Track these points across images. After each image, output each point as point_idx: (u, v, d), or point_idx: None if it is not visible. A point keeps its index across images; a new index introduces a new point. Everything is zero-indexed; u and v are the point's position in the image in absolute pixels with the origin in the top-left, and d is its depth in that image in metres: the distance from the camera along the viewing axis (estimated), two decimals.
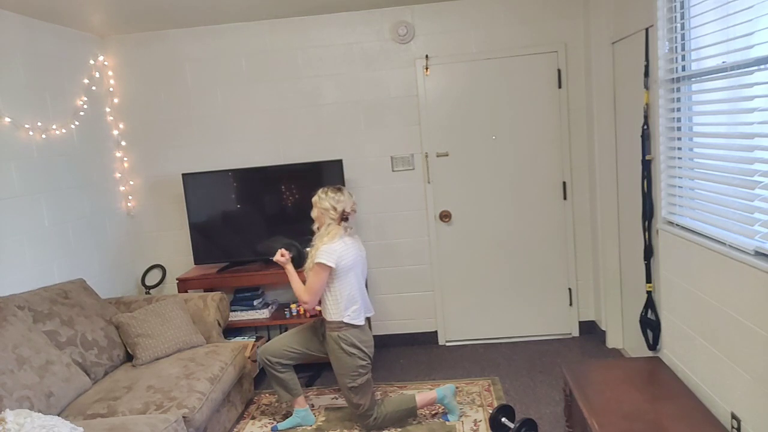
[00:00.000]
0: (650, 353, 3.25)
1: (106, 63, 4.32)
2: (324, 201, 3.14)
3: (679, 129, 2.83)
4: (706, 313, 2.47)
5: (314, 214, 3.21)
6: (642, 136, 3.15)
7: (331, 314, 3.12)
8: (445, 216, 4.38)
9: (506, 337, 4.49)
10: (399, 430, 3.25)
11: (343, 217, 3.15)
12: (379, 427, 3.23)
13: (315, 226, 3.26)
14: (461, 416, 3.33)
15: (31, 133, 3.48)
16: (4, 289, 3.15)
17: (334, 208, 3.12)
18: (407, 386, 3.81)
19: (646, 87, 3.11)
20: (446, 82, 4.25)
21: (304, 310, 4.14)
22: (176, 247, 4.51)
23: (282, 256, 3.24)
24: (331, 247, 3.06)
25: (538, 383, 3.73)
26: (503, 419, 3.08)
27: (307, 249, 3.25)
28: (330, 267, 3.05)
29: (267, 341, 4.24)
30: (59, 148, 3.73)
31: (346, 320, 3.10)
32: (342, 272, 3.09)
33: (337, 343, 3.11)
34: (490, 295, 4.45)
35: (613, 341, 4.11)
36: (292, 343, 3.28)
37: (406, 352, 4.41)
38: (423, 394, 3.28)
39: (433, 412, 3.41)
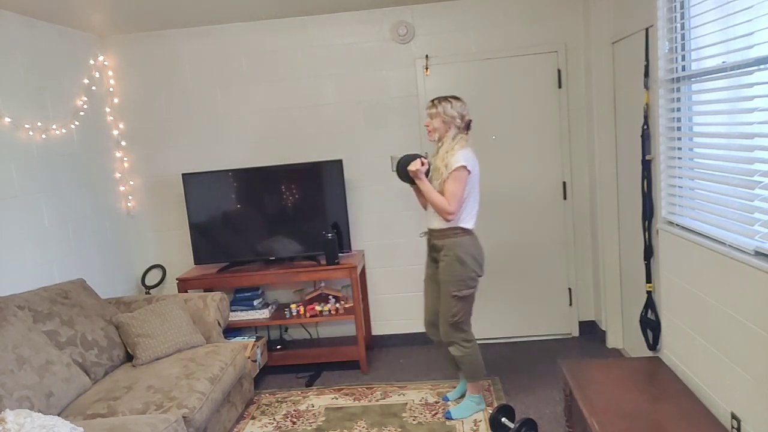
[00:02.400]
0: (650, 353, 3.25)
1: (106, 63, 4.32)
2: (451, 109, 3.07)
3: (679, 129, 2.82)
4: (706, 313, 2.47)
5: (435, 124, 3.10)
6: (642, 136, 3.15)
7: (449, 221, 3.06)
8: None
9: (506, 337, 4.49)
10: (399, 430, 3.25)
11: (468, 126, 3.12)
12: (461, 352, 3.22)
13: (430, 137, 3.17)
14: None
15: (31, 133, 3.48)
16: (4, 289, 3.15)
17: (462, 117, 3.08)
18: (407, 386, 3.81)
19: (646, 87, 3.12)
20: (446, 82, 4.25)
21: (305, 310, 4.14)
22: (176, 247, 4.51)
23: (423, 164, 3.03)
24: (468, 152, 3.03)
25: (538, 383, 3.73)
26: (503, 419, 3.09)
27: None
28: (469, 171, 3.00)
29: (267, 341, 4.25)
30: (59, 148, 3.73)
31: (462, 225, 3.07)
32: (472, 179, 3.06)
33: (454, 250, 3.06)
34: (490, 295, 4.44)
35: (613, 341, 4.11)
36: (434, 305, 3.28)
37: (406, 352, 4.41)
38: (475, 384, 3.33)
39: (434, 412, 3.41)
